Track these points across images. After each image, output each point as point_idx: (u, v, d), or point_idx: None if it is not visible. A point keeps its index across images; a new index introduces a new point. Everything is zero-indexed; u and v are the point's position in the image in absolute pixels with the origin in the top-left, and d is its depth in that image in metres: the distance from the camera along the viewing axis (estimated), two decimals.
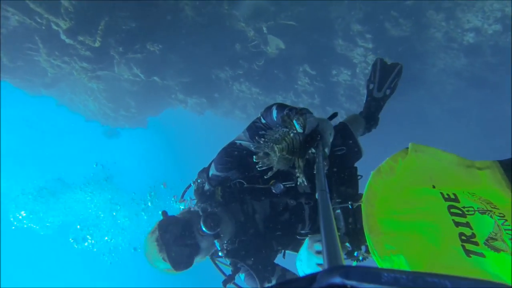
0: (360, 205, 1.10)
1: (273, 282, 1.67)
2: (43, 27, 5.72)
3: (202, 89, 8.60)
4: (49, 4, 5.09)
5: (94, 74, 6.69)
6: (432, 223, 0.98)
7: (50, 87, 9.40)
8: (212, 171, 1.72)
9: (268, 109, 1.58)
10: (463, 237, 0.93)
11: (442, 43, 7.47)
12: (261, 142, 1.23)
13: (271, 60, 7.63)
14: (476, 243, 0.92)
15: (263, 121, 1.63)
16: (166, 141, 24.64)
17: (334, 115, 1.53)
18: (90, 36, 5.24)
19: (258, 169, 1.26)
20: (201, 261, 1.60)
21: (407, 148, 1.21)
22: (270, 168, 1.24)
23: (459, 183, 1.11)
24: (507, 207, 1.00)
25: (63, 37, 5.28)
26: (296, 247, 1.72)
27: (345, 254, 1.21)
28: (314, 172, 1.05)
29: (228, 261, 1.71)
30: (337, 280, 0.28)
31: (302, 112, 1.30)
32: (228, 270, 1.70)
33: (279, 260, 1.81)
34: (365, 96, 2.40)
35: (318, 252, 1.24)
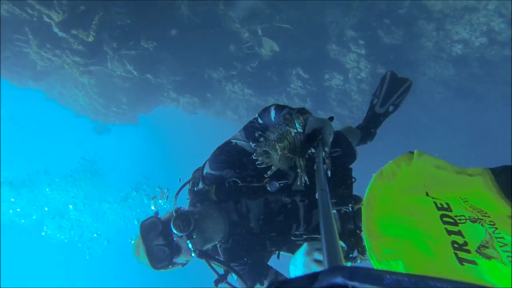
0: (359, 207, 1.10)
1: (265, 284, 1.66)
2: (34, 19, 5.62)
3: (194, 89, 8.58)
4: None
5: (86, 68, 6.61)
6: (425, 231, 1.00)
7: (39, 80, 9.22)
8: (207, 170, 1.71)
9: (266, 109, 1.59)
10: (455, 245, 0.95)
11: (432, 53, 7.66)
12: (262, 140, 1.24)
13: (265, 62, 7.68)
14: (468, 251, 0.94)
15: (260, 121, 1.63)
16: (157, 139, 24.49)
17: (331, 118, 1.54)
18: (83, 30, 5.18)
19: (258, 167, 1.27)
20: (187, 260, 1.58)
21: (410, 152, 1.23)
22: (270, 167, 1.25)
23: (451, 189, 1.13)
24: (497, 215, 1.03)
25: (55, 30, 5.20)
26: (290, 249, 1.72)
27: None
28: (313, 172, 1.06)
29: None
30: (339, 280, 0.28)
31: (303, 112, 1.31)
32: (221, 270, 1.69)
33: (273, 261, 1.80)
34: (367, 110, 2.34)
35: (317, 261, 1.24)
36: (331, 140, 1.28)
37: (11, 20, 6.03)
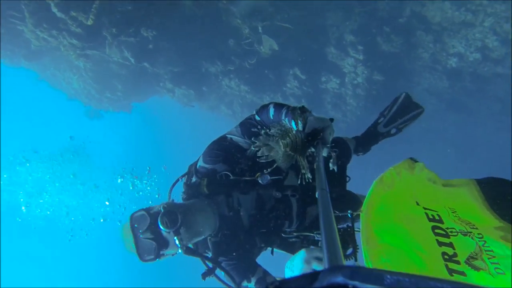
0: (355, 213, 1.11)
1: (253, 281, 1.66)
2: None
3: (191, 81, 8.54)
4: None
5: (83, 52, 6.51)
6: (417, 241, 1.02)
7: (32, 60, 9.05)
8: (200, 163, 1.73)
9: (265, 107, 1.60)
10: (446, 256, 0.97)
11: (428, 64, 7.78)
12: (264, 134, 1.26)
13: (263, 60, 7.69)
14: (458, 262, 0.95)
15: (257, 118, 1.64)
16: (149, 129, 24.32)
17: (331, 120, 1.56)
18: (83, 12, 5.11)
19: (259, 160, 1.28)
20: (175, 252, 1.59)
21: (411, 158, 1.25)
22: (270, 162, 1.27)
23: (439, 200, 1.16)
24: (484, 227, 1.06)
25: (54, 9, 5.11)
26: (283, 246, 1.73)
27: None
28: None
29: (209, 254, 1.72)
30: (340, 279, 0.28)
31: (303, 110, 1.34)
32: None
33: (267, 257, 1.81)
34: (370, 125, 2.31)
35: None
36: (331, 139, 1.30)
37: None
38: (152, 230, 1.51)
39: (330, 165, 1.23)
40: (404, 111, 2.16)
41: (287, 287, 0.30)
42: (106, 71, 8.62)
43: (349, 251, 1.36)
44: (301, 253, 1.31)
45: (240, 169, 1.64)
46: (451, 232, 1.04)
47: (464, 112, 8.89)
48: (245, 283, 1.66)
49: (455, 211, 1.13)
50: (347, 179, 1.84)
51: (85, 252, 22.63)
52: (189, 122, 19.30)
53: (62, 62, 9.79)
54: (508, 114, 8.55)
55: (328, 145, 1.27)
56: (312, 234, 1.66)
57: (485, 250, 0.98)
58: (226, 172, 1.64)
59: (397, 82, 8.18)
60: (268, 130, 1.34)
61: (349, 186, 1.92)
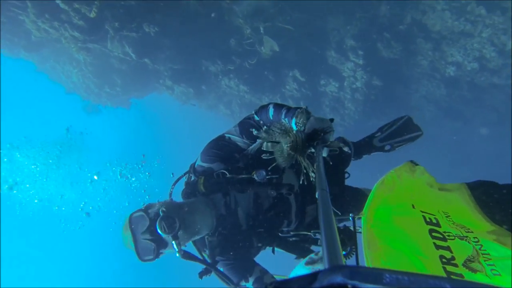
0: (356, 216, 1.11)
1: (250, 281, 1.67)
2: None
3: (190, 79, 8.56)
4: None
5: (84, 45, 6.50)
6: (415, 244, 1.04)
7: (32, 51, 9.02)
8: (198, 162, 1.74)
9: (264, 107, 1.61)
10: (443, 260, 0.98)
11: (427, 71, 7.87)
12: (270, 130, 1.27)
13: (263, 60, 7.72)
14: (456, 265, 0.97)
15: (256, 118, 1.64)
16: (147, 125, 24.28)
17: (331, 120, 1.57)
18: (87, 5, 5.11)
19: (262, 156, 1.29)
20: (173, 253, 1.60)
21: (412, 161, 1.27)
22: (271, 160, 1.28)
23: (435, 204, 1.18)
24: (479, 231, 1.09)
25: (58, 1, 5.10)
26: (282, 245, 1.73)
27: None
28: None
29: (206, 252, 1.72)
30: (339, 279, 0.28)
31: (306, 112, 1.35)
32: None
33: (268, 256, 1.80)
34: (365, 136, 2.31)
35: None
36: (331, 139, 1.31)
37: None
38: (151, 232, 1.52)
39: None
40: (402, 131, 2.17)
41: (287, 287, 0.30)
42: (106, 65, 8.61)
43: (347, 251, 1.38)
44: (306, 260, 1.31)
45: (237, 168, 1.66)
46: (448, 236, 1.05)
47: (460, 120, 8.99)
48: (243, 283, 1.66)
49: (449, 215, 1.15)
50: (346, 175, 1.85)
51: (78, 243, 22.52)
52: (187, 120, 19.31)
53: (62, 55, 9.76)
54: (503, 124, 8.66)
55: (328, 146, 1.28)
56: (309, 234, 1.67)
57: (482, 253, 1.01)
58: (223, 171, 1.65)
59: (395, 88, 8.26)
60: (271, 128, 1.35)
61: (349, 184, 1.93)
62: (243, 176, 1.62)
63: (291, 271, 1.63)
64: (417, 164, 1.31)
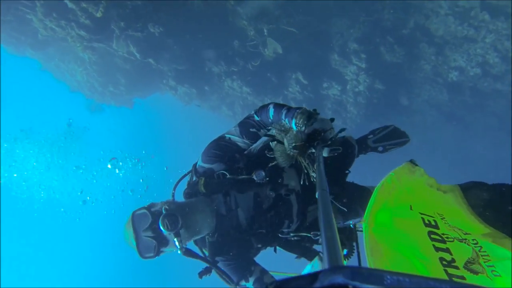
0: (357, 223, 1.13)
1: (251, 281, 1.68)
2: None
3: (194, 80, 8.61)
4: None
5: (89, 44, 6.57)
6: (415, 246, 1.04)
7: (38, 49, 9.10)
8: (199, 162, 1.76)
9: (264, 107, 1.62)
10: (444, 262, 0.99)
11: (429, 76, 7.88)
12: (277, 128, 1.29)
13: (267, 62, 7.76)
14: (457, 267, 0.98)
15: (256, 118, 1.65)
16: (149, 126, 24.38)
17: (331, 120, 1.58)
18: (94, 5, 5.17)
19: (267, 155, 1.31)
20: (175, 250, 1.62)
21: (411, 162, 1.27)
22: (271, 159, 1.31)
23: (432, 206, 1.19)
24: (475, 233, 1.10)
25: (66, 0, 5.17)
26: (282, 245, 1.75)
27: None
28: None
29: (206, 253, 1.74)
30: (340, 280, 0.28)
31: (310, 112, 1.36)
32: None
33: (270, 255, 1.81)
34: (360, 137, 2.35)
35: None
36: (331, 137, 1.33)
37: None
38: (153, 229, 1.53)
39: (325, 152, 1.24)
40: (391, 137, 2.25)
41: (287, 287, 0.30)
42: (111, 65, 8.68)
43: (344, 252, 1.39)
44: (315, 261, 1.31)
45: (237, 169, 1.67)
46: (447, 238, 1.06)
47: (462, 125, 8.99)
48: (243, 283, 1.68)
49: (444, 218, 1.16)
50: (347, 172, 1.86)
51: (78, 235, 22.60)
52: (189, 121, 19.36)
53: (67, 54, 9.85)
54: (504, 130, 8.66)
55: (329, 146, 1.29)
56: (309, 235, 1.67)
57: (482, 255, 1.02)
58: (223, 172, 1.66)
59: (398, 92, 8.27)
60: (267, 130, 1.35)
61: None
62: (243, 176, 1.63)
63: (291, 268, 1.66)
64: (416, 165, 1.32)
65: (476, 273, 0.98)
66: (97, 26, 5.84)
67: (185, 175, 1.87)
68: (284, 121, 1.46)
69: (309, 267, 1.42)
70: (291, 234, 1.72)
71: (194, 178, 1.75)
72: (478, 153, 9.79)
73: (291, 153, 1.28)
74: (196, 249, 1.75)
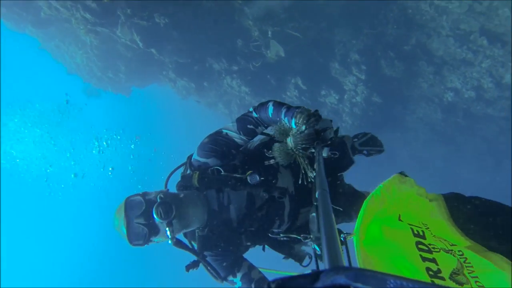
0: (348, 236, 1.08)
1: (238, 276, 1.67)
2: None
3: (193, 74, 8.61)
4: None
5: (93, 28, 6.52)
6: (405, 257, 1.05)
7: (39, 28, 9.00)
8: (194, 156, 1.75)
9: (264, 104, 1.61)
10: (430, 272, 0.98)
11: (426, 94, 8.03)
12: (281, 127, 1.30)
13: (268, 64, 7.80)
14: (443, 278, 0.98)
15: (255, 115, 1.65)
16: (145, 115, 24.27)
17: (330, 121, 1.60)
18: None
19: (267, 155, 1.31)
20: (163, 240, 1.61)
21: (401, 173, 1.28)
22: (270, 157, 1.32)
23: (417, 215, 1.20)
24: (460, 245, 1.12)
25: None
26: (270, 245, 1.75)
27: (313, 257, 1.16)
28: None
29: (195, 246, 1.73)
30: (342, 280, 0.28)
31: (308, 112, 1.37)
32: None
33: (259, 253, 1.83)
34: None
35: None
36: (330, 136, 1.33)
37: None
38: (145, 217, 1.52)
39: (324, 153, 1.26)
40: (371, 144, 2.29)
41: (288, 286, 0.30)
42: (112, 51, 8.62)
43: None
44: None
45: (233, 165, 1.66)
46: (433, 248, 1.07)
47: (452, 147, 9.15)
48: (230, 278, 1.67)
49: (428, 228, 1.18)
50: (340, 176, 1.88)
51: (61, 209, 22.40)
52: (184, 115, 19.34)
53: (68, 35, 9.76)
54: (492, 155, 8.86)
55: (328, 146, 1.30)
56: (299, 237, 1.66)
57: (466, 266, 1.03)
58: (218, 167, 1.65)
59: (394, 107, 8.40)
60: (265, 128, 1.36)
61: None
62: (237, 175, 1.62)
63: (279, 265, 1.67)
64: (406, 176, 1.32)
65: (461, 284, 0.98)
66: (103, 10, 5.81)
67: (179, 166, 1.85)
68: (284, 120, 1.46)
69: None
70: (281, 235, 1.71)
71: (188, 171, 1.74)
72: (463, 176, 9.98)
73: (297, 152, 1.27)
74: (186, 242, 1.74)
